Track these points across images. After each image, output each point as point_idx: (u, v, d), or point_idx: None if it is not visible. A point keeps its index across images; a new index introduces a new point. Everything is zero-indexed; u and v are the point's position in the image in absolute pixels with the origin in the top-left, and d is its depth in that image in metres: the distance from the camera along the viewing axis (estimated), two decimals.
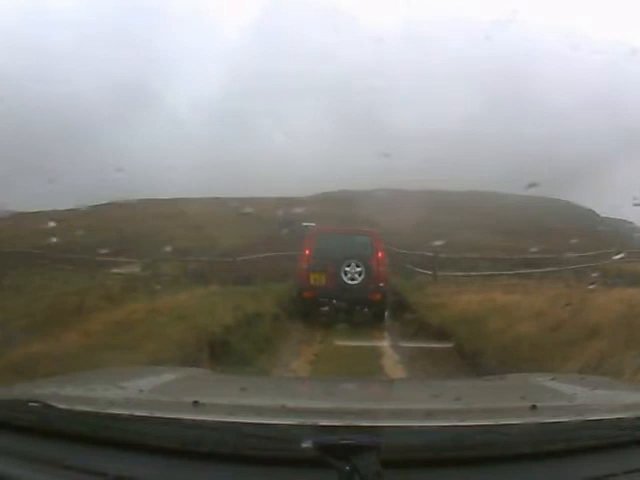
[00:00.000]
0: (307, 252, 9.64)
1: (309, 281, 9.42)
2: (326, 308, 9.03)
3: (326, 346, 7.34)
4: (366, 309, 9.24)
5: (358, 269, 9.34)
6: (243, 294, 9.90)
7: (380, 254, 9.60)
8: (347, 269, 9.32)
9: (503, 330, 6.29)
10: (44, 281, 9.70)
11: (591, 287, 8.34)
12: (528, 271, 14.02)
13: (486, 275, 14.11)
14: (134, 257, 14.00)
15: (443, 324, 7.48)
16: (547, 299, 7.61)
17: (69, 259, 13.27)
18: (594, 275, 10.92)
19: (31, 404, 1.41)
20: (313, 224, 17.99)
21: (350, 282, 9.31)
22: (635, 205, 6.79)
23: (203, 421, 1.34)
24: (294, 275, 11.43)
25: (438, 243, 14.58)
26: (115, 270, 13.03)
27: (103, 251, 12.72)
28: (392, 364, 6.50)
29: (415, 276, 15.51)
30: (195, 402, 1.47)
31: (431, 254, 14.76)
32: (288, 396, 1.83)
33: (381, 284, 9.37)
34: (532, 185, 8.09)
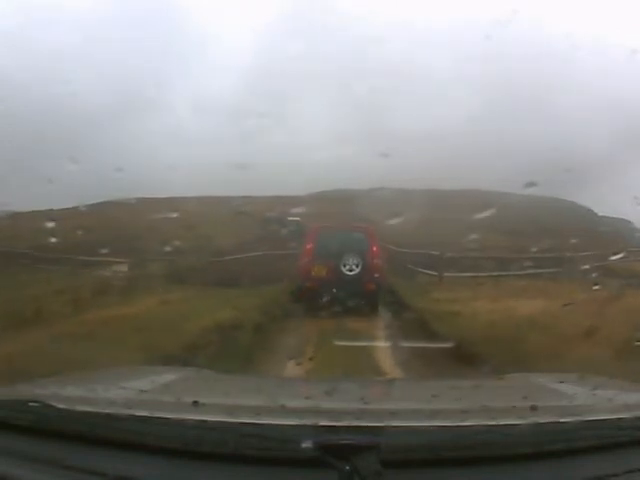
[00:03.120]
0: (309, 246, 10.27)
1: (311, 273, 10.03)
2: (326, 298, 9.12)
3: (319, 364, 5.76)
4: (362, 299, 9.52)
5: (355, 262, 10.12)
6: (225, 298, 9.19)
7: (375, 248, 10.36)
8: (346, 262, 10.10)
9: (558, 356, 4.93)
10: (22, 282, 9.41)
11: (595, 287, 8.09)
12: (537, 271, 13.31)
13: (495, 276, 12.96)
14: (124, 257, 13.53)
15: (468, 343, 5.81)
16: (579, 306, 6.60)
17: (57, 259, 13.03)
18: (594, 275, 10.69)
19: (31, 404, 1.41)
20: (298, 219, 17.99)
21: (348, 273, 10.09)
22: None
23: (203, 421, 1.34)
24: (286, 276, 11.51)
25: (440, 242, 14.15)
26: (101, 270, 12.74)
27: (93, 251, 12.45)
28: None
29: (418, 277, 14.46)
30: (195, 402, 1.47)
31: (436, 253, 13.90)
32: (288, 396, 1.83)
33: (376, 275, 10.12)
34: (531, 184, 8.05)
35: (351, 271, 10.13)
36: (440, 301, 9.28)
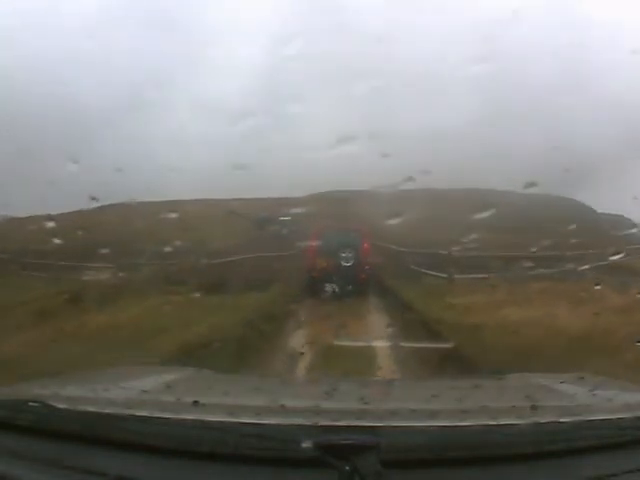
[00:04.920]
0: (313, 244, 12.19)
1: (315, 265, 12.09)
2: (328, 284, 11.48)
3: None
4: (356, 286, 11.53)
5: (350, 255, 12.27)
6: (206, 307, 8.46)
7: (366, 245, 12.57)
8: (342, 255, 12.27)
9: None
10: (3, 289, 9.03)
11: (596, 287, 7.67)
12: (549, 271, 12.30)
13: (507, 277, 11.69)
14: (114, 261, 12.85)
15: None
16: (626, 313, 5.71)
17: (43, 264, 12.70)
18: (611, 275, 10.14)
19: (31, 404, 1.42)
20: (289, 218, 18.79)
21: (345, 264, 12.20)
22: None
23: (203, 421, 1.35)
24: (275, 281, 11.84)
25: (442, 241, 13.00)
26: (87, 276, 12.32)
27: (84, 256, 11.98)
28: None
29: (423, 279, 13.25)
30: (195, 402, 1.47)
31: (444, 252, 12.79)
32: (288, 396, 1.83)
33: (366, 267, 12.24)
34: (531, 184, 8.00)
35: (347, 263, 12.27)
36: (456, 308, 8.11)
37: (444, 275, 12.70)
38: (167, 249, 11.13)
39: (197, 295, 9.57)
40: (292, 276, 13.08)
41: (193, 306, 8.70)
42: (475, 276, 12.38)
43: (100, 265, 12.64)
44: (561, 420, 1.36)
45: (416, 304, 9.09)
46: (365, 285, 12.06)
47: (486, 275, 12.37)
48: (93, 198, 7.63)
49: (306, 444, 1.21)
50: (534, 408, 1.42)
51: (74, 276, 12.22)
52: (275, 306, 9.55)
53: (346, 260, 12.33)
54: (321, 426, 1.28)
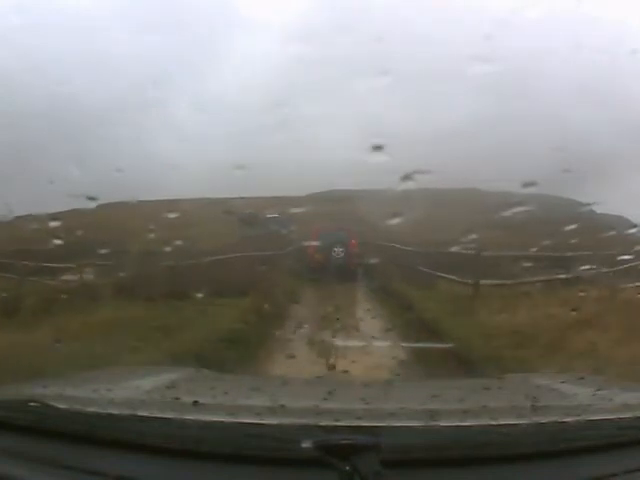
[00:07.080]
0: (313, 242, 15.03)
1: (314, 258, 14.97)
2: (324, 272, 14.01)
3: None
4: (346, 274, 13.90)
5: (341, 250, 15.29)
6: (160, 323, 6.94)
7: (353, 242, 15.60)
8: (335, 250, 15.24)
9: None
10: None
11: None
12: (578, 274, 10.29)
13: (538, 282, 9.80)
14: (92, 262, 11.87)
15: None
16: None
17: (16, 266, 11.81)
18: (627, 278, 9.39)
19: (31, 404, 1.42)
20: (277, 215, 20.30)
21: (336, 257, 15.12)
22: None
23: (203, 421, 1.35)
24: (254, 285, 10.46)
25: (445, 241, 11.08)
26: (62, 278, 11.61)
27: (63, 257, 11.08)
28: None
29: (439, 284, 11.47)
30: (195, 402, 1.47)
31: (469, 252, 10.24)
32: (288, 396, 1.83)
33: (355, 259, 15.03)
34: (530, 184, 7.90)
35: (338, 256, 15.22)
36: (503, 334, 5.91)
37: (461, 280, 10.41)
38: (152, 249, 10.13)
39: (160, 303, 8.18)
40: (277, 283, 11.88)
41: (139, 322, 7.04)
42: (500, 281, 10.07)
43: (62, 266, 11.81)
44: (561, 420, 1.36)
45: (438, 320, 6.73)
46: (354, 274, 14.65)
47: (512, 280, 10.04)
48: (91, 198, 7.43)
49: (306, 444, 1.21)
50: (534, 408, 1.42)
51: (45, 278, 11.44)
52: (243, 323, 7.58)
53: (337, 254, 15.44)
54: (321, 426, 1.28)
